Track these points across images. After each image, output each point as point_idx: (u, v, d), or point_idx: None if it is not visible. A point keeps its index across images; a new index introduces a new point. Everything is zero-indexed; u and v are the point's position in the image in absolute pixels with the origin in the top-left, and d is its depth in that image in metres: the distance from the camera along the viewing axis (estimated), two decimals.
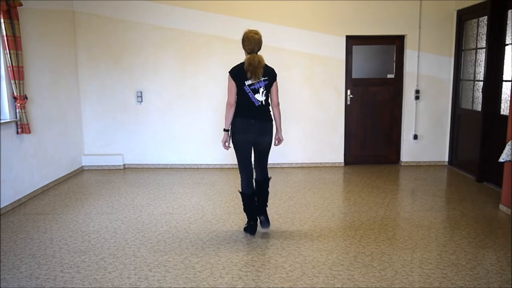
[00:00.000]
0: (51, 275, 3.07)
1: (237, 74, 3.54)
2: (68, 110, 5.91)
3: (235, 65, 3.63)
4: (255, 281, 2.95)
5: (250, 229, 3.80)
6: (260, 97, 3.58)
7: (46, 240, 3.70)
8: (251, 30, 3.61)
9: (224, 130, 3.66)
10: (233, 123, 3.64)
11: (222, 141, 3.72)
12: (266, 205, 3.85)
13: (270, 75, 3.61)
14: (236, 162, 3.80)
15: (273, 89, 3.66)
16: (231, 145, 3.72)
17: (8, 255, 3.42)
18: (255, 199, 3.79)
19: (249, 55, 3.55)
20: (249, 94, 3.55)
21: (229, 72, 3.58)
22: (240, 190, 3.80)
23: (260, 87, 3.57)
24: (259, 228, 3.86)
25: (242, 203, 3.83)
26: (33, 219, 4.24)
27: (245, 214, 3.89)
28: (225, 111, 3.61)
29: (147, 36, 6.11)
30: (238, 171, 3.82)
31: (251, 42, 3.55)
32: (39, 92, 5.17)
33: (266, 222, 3.79)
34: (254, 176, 3.81)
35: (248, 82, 3.53)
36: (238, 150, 3.69)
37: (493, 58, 5.17)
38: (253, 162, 3.80)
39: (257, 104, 3.58)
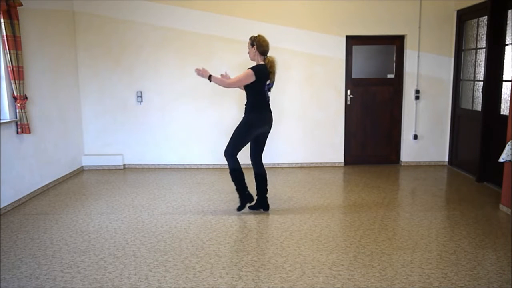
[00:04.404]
0: (51, 275, 3.07)
1: (261, 74, 4.01)
2: (68, 110, 5.91)
3: (257, 65, 4.04)
4: (255, 281, 2.95)
5: (248, 198, 4.32)
6: (269, 93, 4.20)
7: (46, 240, 3.70)
8: (260, 34, 4.11)
9: (209, 78, 4.02)
10: (256, 117, 4.11)
11: (201, 72, 4.05)
12: (267, 194, 4.40)
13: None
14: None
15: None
16: (249, 132, 4.17)
17: (8, 255, 3.42)
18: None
19: (269, 57, 4.08)
20: (266, 92, 4.12)
21: (254, 71, 3.97)
22: (236, 168, 4.18)
23: (272, 86, 4.19)
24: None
25: (234, 181, 4.23)
26: (33, 219, 4.24)
27: (238, 194, 4.32)
28: (223, 83, 4.05)
29: (147, 36, 6.11)
30: (231, 153, 4.14)
31: (267, 44, 4.08)
32: (39, 92, 5.17)
33: (267, 206, 4.39)
34: (254, 170, 4.33)
35: (268, 82, 4.09)
36: (250, 136, 4.16)
37: (493, 58, 5.17)
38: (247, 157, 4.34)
39: (268, 100, 4.19)
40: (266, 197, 4.37)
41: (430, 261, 3.22)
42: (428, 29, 6.12)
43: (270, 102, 4.22)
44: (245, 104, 4.15)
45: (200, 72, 4.05)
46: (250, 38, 4.09)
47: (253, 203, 4.38)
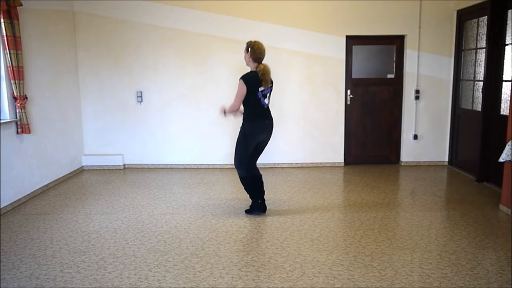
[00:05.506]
0: (51, 275, 3.07)
1: (253, 82, 3.94)
2: (68, 110, 5.91)
3: (247, 73, 3.98)
4: (255, 281, 2.95)
5: (259, 207, 4.30)
6: (267, 100, 4.10)
7: (46, 240, 3.70)
8: (257, 41, 4.02)
9: (224, 112, 4.12)
10: (251, 126, 4.05)
11: (223, 109, 4.11)
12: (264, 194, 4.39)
13: (272, 82, 4.13)
14: (234, 160, 4.22)
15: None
16: (248, 142, 4.10)
17: (8, 255, 3.42)
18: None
19: (262, 65, 3.98)
20: (261, 99, 4.02)
21: (244, 80, 3.93)
22: (244, 175, 4.17)
23: (268, 92, 4.09)
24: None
25: (246, 188, 4.24)
26: (33, 219, 4.24)
27: (250, 198, 4.34)
28: (230, 110, 4.05)
29: (147, 36, 6.11)
30: (238, 163, 4.14)
31: (262, 52, 3.98)
32: (39, 92, 5.17)
33: (264, 208, 4.37)
34: (252, 172, 4.26)
35: (261, 89, 3.98)
36: (250, 146, 4.10)
37: (493, 58, 5.17)
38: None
39: (265, 107, 4.09)
40: (264, 199, 4.35)
41: (430, 261, 3.22)
42: (428, 29, 6.13)
43: (269, 107, 4.17)
44: (243, 113, 4.10)
45: (221, 110, 4.16)
46: (247, 43, 4.03)
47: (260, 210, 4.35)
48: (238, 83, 3.94)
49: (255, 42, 4.00)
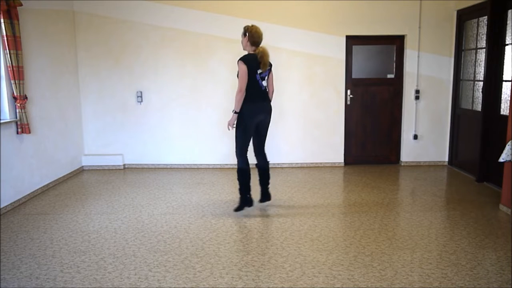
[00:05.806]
0: (51, 275, 3.07)
1: (251, 63, 4.01)
2: (68, 110, 5.91)
3: (245, 55, 4.08)
4: (255, 281, 2.95)
5: (248, 202, 4.34)
6: (264, 82, 4.16)
7: (46, 240, 3.70)
8: (254, 25, 4.11)
9: (235, 112, 4.07)
10: (248, 106, 4.06)
11: (230, 122, 4.12)
12: (268, 185, 4.47)
13: (270, 65, 4.22)
14: (234, 157, 4.30)
15: (271, 76, 4.26)
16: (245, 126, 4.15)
17: (8, 255, 3.42)
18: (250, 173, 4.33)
19: (260, 48, 4.06)
20: (259, 81, 4.09)
21: (243, 60, 4.00)
22: (242, 167, 4.22)
23: (266, 75, 4.16)
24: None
25: (240, 180, 4.26)
26: (33, 219, 4.24)
27: (240, 194, 4.34)
28: (238, 96, 4.01)
29: (147, 36, 6.11)
30: (240, 152, 4.19)
31: (260, 36, 4.07)
32: (39, 92, 5.17)
33: (269, 197, 4.50)
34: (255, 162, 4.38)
35: (259, 71, 4.06)
36: (247, 131, 4.14)
37: (493, 58, 5.17)
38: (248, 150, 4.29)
39: (263, 89, 4.15)
40: (268, 188, 4.42)
41: (430, 261, 3.22)
42: (428, 29, 6.13)
43: (267, 91, 4.22)
44: None
45: (231, 123, 4.12)
46: (244, 28, 4.11)
47: (253, 204, 4.40)
48: (238, 65, 4.00)
49: (252, 26, 4.09)
